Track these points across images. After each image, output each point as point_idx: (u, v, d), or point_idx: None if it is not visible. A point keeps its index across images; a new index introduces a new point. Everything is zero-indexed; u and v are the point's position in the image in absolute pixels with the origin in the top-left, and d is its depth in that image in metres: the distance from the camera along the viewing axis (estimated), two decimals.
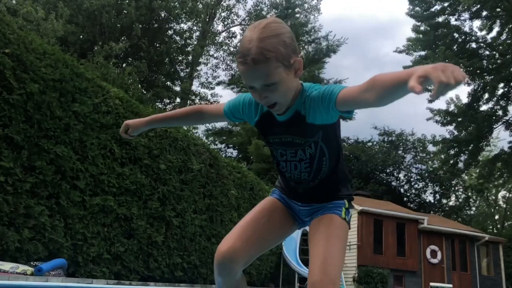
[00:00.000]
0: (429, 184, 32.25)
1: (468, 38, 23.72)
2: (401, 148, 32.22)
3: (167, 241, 7.39)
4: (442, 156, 28.34)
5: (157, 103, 23.80)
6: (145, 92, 21.52)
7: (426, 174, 31.62)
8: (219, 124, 39.91)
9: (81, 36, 20.67)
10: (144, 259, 6.78)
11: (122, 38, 21.59)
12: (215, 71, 30.33)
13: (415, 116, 59.00)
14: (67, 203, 5.45)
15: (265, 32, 1.40)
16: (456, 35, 23.46)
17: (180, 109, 1.99)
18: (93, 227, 5.84)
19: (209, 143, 25.54)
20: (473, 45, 24.02)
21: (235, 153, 29.72)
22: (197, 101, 28.30)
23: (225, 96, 64.31)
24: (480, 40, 23.74)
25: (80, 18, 19.25)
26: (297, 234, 15.12)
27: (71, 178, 5.58)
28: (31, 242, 4.91)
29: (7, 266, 4.10)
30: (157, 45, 23.89)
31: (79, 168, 5.69)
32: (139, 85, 18.61)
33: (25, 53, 5.16)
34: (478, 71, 22.89)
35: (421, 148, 32.49)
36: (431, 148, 31.45)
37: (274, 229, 1.85)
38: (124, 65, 21.48)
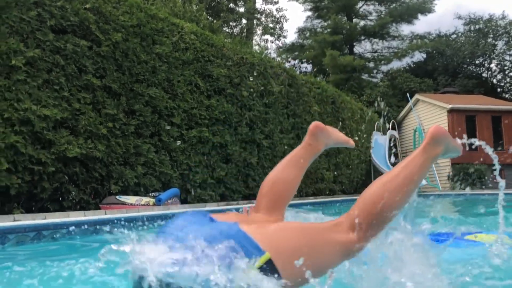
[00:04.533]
0: None
1: None
2: (491, 35, 29.12)
3: (261, 161, 7.83)
4: None
5: (224, 28, 23.72)
6: (210, 18, 21.47)
7: None
8: (289, 39, 38.95)
9: None
10: (243, 180, 7.31)
11: None
12: None
13: None
14: (168, 139, 5.96)
15: None
16: None
17: None
18: (194, 157, 6.37)
19: (283, 62, 25.26)
20: None
21: (309, 67, 29.14)
22: (263, 19, 27.65)
23: (291, 9, 61.75)
24: None
25: None
26: (384, 140, 15.01)
27: (167, 116, 6.03)
28: (145, 177, 5.54)
29: (132, 199, 4.72)
30: None
31: (172, 106, 6.10)
32: (204, 13, 18.57)
33: (103, 4, 5.41)
34: None
35: None
36: None
37: None
38: None
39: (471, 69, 29.05)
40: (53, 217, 3.45)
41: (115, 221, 3.64)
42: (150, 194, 5.27)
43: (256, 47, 21.58)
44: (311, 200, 8.13)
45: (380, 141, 14.78)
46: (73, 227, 3.19)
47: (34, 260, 2.32)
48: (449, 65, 27.28)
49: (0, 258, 2.54)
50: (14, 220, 3.12)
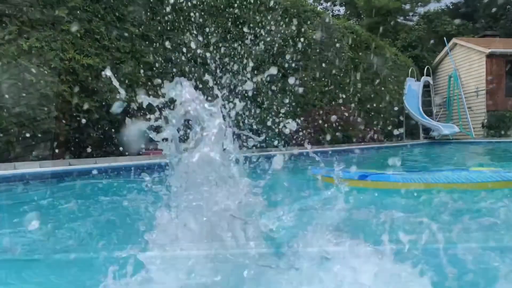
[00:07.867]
0: None
1: None
2: None
3: (293, 109, 7.90)
4: None
5: None
6: None
7: None
8: None
9: None
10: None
11: None
12: None
13: None
14: (203, 86, 6.08)
15: None
16: None
17: None
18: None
19: (315, 5, 24.33)
20: None
21: (342, 10, 28.06)
22: None
23: None
24: None
25: None
26: (418, 87, 14.68)
27: (201, 64, 6.10)
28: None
29: None
30: None
31: (205, 55, 6.15)
32: None
33: None
34: None
35: None
36: None
37: None
38: None
39: None
40: (103, 162, 3.70)
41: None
42: None
43: None
44: (344, 147, 8.23)
45: (413, 88, 14.46)
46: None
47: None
48: (491, 6, 25.71)
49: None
50: (70, 165, 3.38)
